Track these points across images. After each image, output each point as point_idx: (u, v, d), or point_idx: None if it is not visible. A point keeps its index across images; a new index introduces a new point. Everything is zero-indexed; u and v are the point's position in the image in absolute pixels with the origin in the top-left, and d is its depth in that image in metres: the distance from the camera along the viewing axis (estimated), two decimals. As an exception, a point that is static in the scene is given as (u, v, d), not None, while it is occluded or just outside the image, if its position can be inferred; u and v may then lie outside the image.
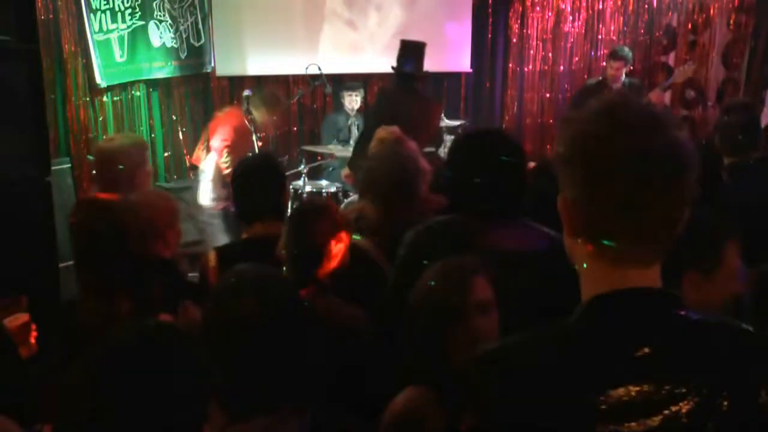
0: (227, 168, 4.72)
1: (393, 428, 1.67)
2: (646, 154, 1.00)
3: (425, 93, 5.02)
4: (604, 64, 5.92)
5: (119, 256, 2.14)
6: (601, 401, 0.99)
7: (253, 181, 2.83)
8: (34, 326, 2.11)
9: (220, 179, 4.83)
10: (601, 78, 6.08)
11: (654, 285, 1.06)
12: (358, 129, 6.15)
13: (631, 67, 6.59)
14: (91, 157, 4.84)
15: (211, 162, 4.90)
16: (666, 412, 0.98)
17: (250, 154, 4.76)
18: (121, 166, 3.09)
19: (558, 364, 1.03)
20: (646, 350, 1.01)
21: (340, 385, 1.78)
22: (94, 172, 3.23)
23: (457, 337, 1.68)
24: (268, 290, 1.40)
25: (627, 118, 1.03)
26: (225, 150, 4.78)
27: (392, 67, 4.70)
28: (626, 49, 6.05)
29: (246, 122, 4.76)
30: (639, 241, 1.04)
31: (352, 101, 6.13)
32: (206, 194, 4.88)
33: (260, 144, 4.85)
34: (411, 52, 4.71)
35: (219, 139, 4.84)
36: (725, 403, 0.99)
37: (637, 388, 0.99)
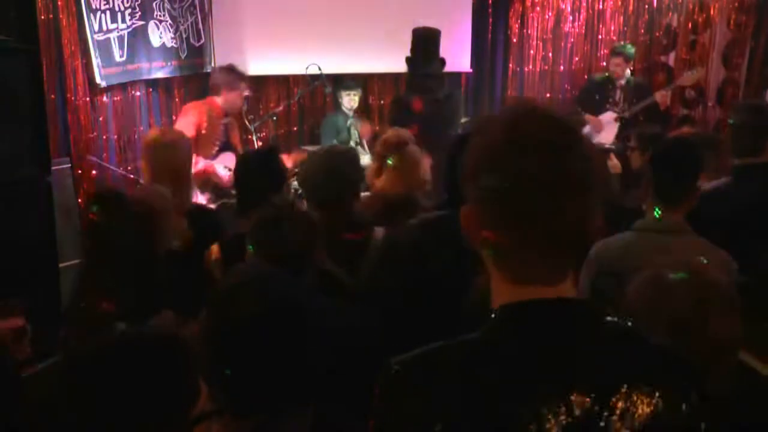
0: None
1: None
2: (535, 177, 0.98)
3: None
4: (606, 61, 5.97)
5: (133, 251, 2.13)
6: (504, 421, 0.96)
7: (254, 175, 2.87)
8: (28, 329, 2.10)
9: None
10: (606, 74, 6.12)
11: (562, 295, 1.03)
12: (357, 129, 6.15)
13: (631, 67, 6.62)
14: (90, 157, 4.85)
15: None
16: (569, 420, 0.96)
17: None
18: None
19: (463, 380, 1.00)
20: (554, 363, 0.99)
21: (342, 384, 1.79)
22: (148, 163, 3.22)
23: None
24: (269, 290, 1.41)
25: (522, 137, 1.00)
26: None
27: (406, 59, 4.73)
28: (628, 46, 6.08)
29: (195, 117, 4.71)
30: (533, 261, 1.02)
31: (351, 101, 6.13)
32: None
33: (260, 143, 4.86)
34: (423, 45, 4.74)
35: None
36: (629, 411, 0.97)
37: (538, 404, 0.96)
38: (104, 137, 5.07)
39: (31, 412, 1.55)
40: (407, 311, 2.18)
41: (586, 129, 5.93)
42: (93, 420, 1.19)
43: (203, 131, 4.72)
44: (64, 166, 4.55)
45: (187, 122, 4.71)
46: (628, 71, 5.95)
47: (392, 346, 2.04)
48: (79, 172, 4.80)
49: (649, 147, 3.92)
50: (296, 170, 3.95)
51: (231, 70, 4.93)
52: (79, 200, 4.71)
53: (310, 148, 6.10)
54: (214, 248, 2.71)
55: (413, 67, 4.98)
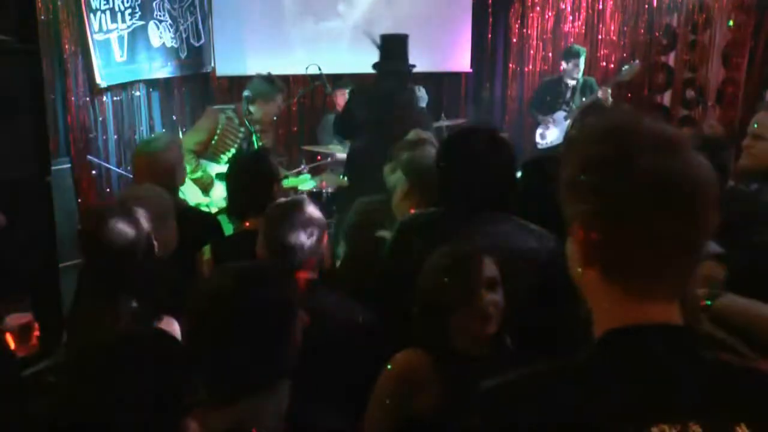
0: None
1: (388, 381, 1.83)
2: (659, 180, 0.94)
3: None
4: (562, 64, 6.07)
5: (130, 261, 2.13)
6: None
7: (243, 178, 2.86)
8: (36, 325, 2.12)
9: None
10: (557, 76, 6.21)
11: (674, 321, 0.99)
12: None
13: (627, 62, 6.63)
14: (90, 158, 4.85)
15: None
16: None
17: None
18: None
19: (572, 405, 0.96)
20: (666, 391, 0.95)
21: (329, 383, 1.80)
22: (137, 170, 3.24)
23: (463, 313, 1.80)
24: (249, 279, 1.46)
25: (637, 141, 0.96)
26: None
27: (373, 65, 4.70)
28: (582, 49, 6.16)
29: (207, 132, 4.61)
30: (656, 273, 0.98)
31: (345, 99, 6.13)
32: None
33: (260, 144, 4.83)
34: (394, 47, 4.69)
35: None
36: None
37: (656, 430, 0.93)
38: (104, 137, 5.07)
39: (33, 409, 1.56)
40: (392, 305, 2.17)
41: (539, 129, 6.11)
42: (93, 416, 1.21)
43: (214, 137, 4.62)
44: (64, 166, 4.55)
45: (201, 125, 4.63)
46: (580, 72, 6.03)
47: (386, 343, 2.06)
48: (79, 172, 4.80)
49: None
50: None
51: (270, 80, 4.69)
52: (79, 200, 4.71)
53: (310, 148, 6.11)
54: (206, 250, 2.71)
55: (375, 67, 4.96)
